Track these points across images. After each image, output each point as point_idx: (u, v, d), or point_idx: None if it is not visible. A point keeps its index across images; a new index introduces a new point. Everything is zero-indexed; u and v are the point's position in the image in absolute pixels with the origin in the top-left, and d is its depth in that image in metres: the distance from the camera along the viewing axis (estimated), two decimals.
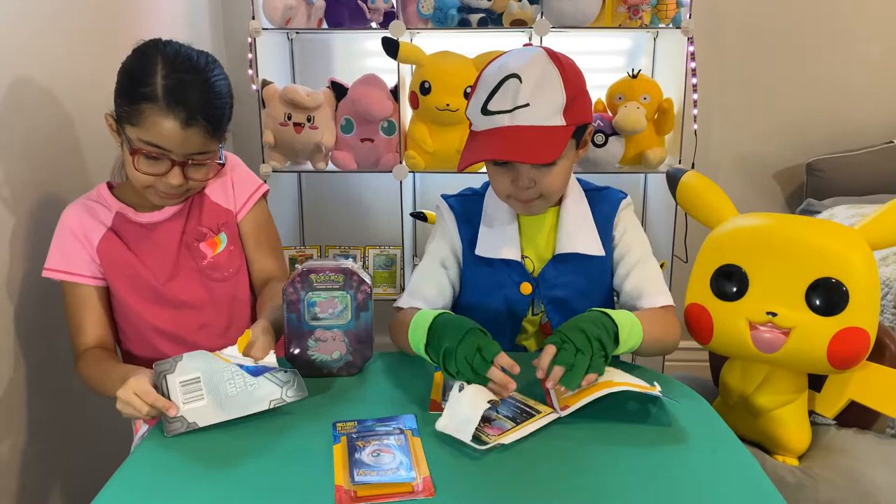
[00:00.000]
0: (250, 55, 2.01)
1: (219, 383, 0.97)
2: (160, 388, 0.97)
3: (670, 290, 1.24)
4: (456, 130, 1.99)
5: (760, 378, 1.23)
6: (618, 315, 1.05)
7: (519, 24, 1.95)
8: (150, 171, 1.12)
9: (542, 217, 1.22)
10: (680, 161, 2.01)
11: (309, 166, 2.13)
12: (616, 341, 1.03)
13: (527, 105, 1.07)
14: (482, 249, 1.22)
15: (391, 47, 1.88)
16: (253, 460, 0.88)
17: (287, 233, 2.29)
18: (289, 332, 1.09)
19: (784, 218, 1.24)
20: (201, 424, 0.96)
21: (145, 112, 1.08)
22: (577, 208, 1.22)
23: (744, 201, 1.59)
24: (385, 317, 1.24)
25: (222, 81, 1.15)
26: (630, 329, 1.05)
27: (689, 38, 1.92)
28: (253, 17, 2.00)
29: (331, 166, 2.11)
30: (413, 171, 2.06)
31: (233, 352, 1.02)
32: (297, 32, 2.25)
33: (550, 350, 0.98)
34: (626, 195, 1.27)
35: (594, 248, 1.20)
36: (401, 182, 2.06)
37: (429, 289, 1.23)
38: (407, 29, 1.96)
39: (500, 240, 1.21)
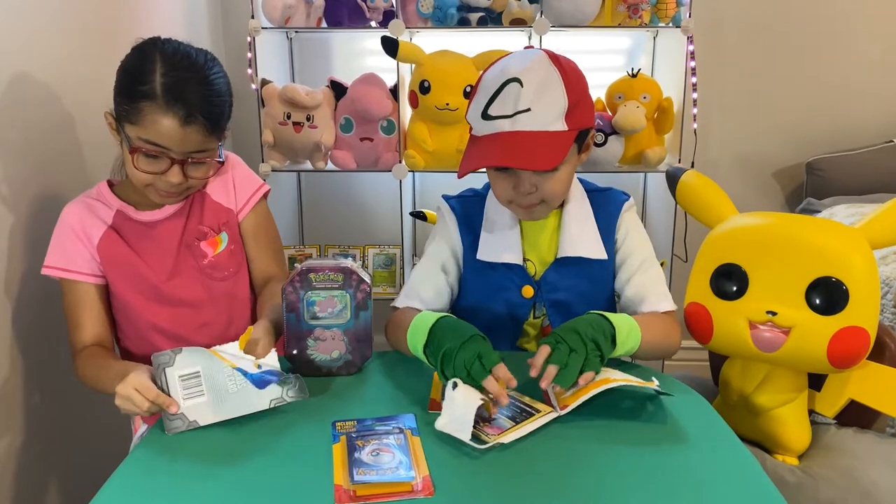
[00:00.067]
0: (249, 54, 2.00)
1: (219, 380, 0.97)
2: (159, 380, 0.97)
3: (670, 289, 1.24)
4: (455, 130, 1.99)
5: (760, 377, 1.23)
6: (616, 318, 1.05)
7: (518, 23, 1.95)
8: (149, 170, 1.12)
9: (544, 220, 1.21)
10: (680, 160, 2.01)
11: (308, 165, 2.12)
12: (613, 343, 1.03)
13: (528, 110, 1.06)
14: (483, 254, 1.21)
15: (390, 46, 1.88)
16: (252, 459, 0.88)
17: (286, 232, 2.29)
18: (288, 332, 1.09)
19: (784, 217, 1.24)
20: (202, 423, 0.96)
21: (144, 110, 1.07)
22: (579, 211, 1.21)
23: (743, 200, 1.58)
24: (384, 316, 1.24)
25: (221, 79, 1.15)
26: (628, 332, 1.05)
27: (688, 38, 1.92)
28: (252, 16, 2.00)
29: (330, 165, 2.11)
30: (412, 171, 2.06)
31: (234, 349, 1.01)
32: (296, 31, 2.25)
33: (545, 350, 0.98)
34: (629, 197, 1.26)
35: (596, 251, 1.19)
36: (400, 181, 2.05)
37: (426, 290, 1.22)
38: (406, 28, 1.95)
39: (501, 244, 1.20)
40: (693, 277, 1.25)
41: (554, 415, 0.96)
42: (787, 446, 1.24)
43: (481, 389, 0.94)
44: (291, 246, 2.28)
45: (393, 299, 1.26)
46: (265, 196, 1.34)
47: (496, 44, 1.99)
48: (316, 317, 1.08)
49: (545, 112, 1.06)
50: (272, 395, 0.98)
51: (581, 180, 1.26)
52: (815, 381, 1.25)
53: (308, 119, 2.02)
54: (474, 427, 0.90)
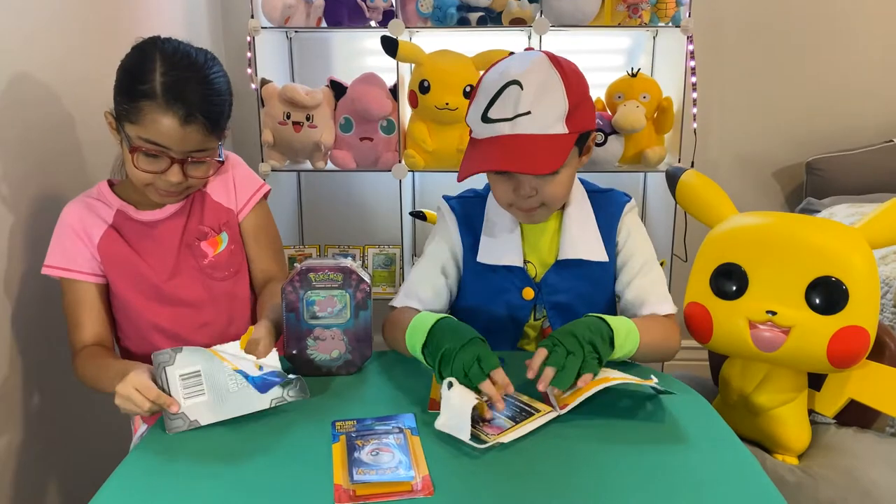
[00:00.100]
0: (249, 54, 2.00)
1: (220, 379, 0.97)
2: (159, 379, 0.97)
3: (670, 288, 1.24)
4: (455, 129, 1.98)
5: (760, 377, 1.23)
6: (614, 320, 1.05)
7: (518, 22, 1.95)
8: (149, 169, 1.12)
9: (545, 222, 1.20)
10: (679, 160, 2.01)
11: (308, 165, 2.12)
12: (611, 345, 1.03)
13: (528, 113, 1.05)
14: (484, 257, 1.21)
15: (390, 46, 1.88)
16: (252, 459, 0.88)
17: (286, 232, 2.29)
18: (288, 331, 1.09)
19: (784, 217, 1.24)
20: (203, 423, 0.96)
21: (144, 109, 1.07)
22: (580, 213, 1.20)
23: (743, 200, 1.58)
24: (384, 316, 1.24)
25: (221, 78, 1.15)
26: (626, 334, 1.05)
27: (688, 37, 1.92)
28: (252, 16, 2.00)
29: (330, 165, 2.11)
30: (412, 170, 2.06)
31: (234, 349, 1.01)
32: (296, 31, 2.25)
33: (542, 353, 0.98)
34: (631, 198, 1.25)
35: (597, 253, 1.19)
36: (400, 181, 2.05)
37: (425, 291, 1.22)
38: (406, 27, 1.95)
39: (502, 246, 1.20)
40: (693, 277, 1.25)
41: (553, 414, 0.96)
42: (786, 446, 1.24)
43: (478, 392, 0.94)
44: (291, 246, 2.28)
45: (392, 299, 1.26)
46: (265, 196, 1.34)
47: (496, 43, 1.99)
48: (315, 316, 1.08)
49: (545, 115, 1.05)
50: (273, 394, 0.98)
51: (582, 181, 1.25)
52: (815, 381, 1.25)
53: (308, 119, 2.01)
54: (474, 427, 0.91)
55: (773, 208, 2.38)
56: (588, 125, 1.12)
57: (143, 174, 1.12)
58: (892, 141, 2.18)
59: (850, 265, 1.11)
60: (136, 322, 1.24)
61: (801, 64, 2.28)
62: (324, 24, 2.07)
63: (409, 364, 1.11)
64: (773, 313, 1.13)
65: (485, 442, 0.89)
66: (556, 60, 1.08)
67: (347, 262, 1.09)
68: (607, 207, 1.23)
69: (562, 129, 1.06)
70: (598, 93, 2.11)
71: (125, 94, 1.10)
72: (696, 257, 1.26)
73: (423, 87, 1.93)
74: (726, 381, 1.29)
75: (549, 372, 0.96)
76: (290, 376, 0.99)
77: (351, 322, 1.09)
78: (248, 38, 1.99)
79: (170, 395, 0.96)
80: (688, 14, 1.95)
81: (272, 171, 2.08)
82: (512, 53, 1.85)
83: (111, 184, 1.26)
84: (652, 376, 0.99)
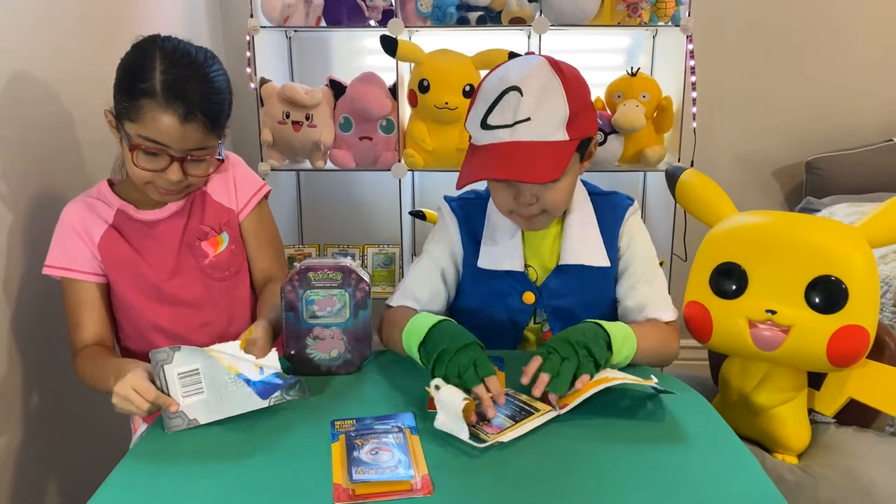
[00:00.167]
0: (248, 53, 2.00)
1: (219, 378, 0.97)
2: (157, 378, 0.97)
3: (669, 288, 1.24)
4: (455, 129, 1.98)
5: (760, 376, 1.23)
6: (611, 326, 1.04)
7: (518, 21, 1.95)
8: (149, 167, 1.12)
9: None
10: (679, 159, 2.01)
11: (307, 165, 2.12)
12: (609, 350, 1.02)
13: (528, 119, 1.03)
14: (485, 262, 1.20)
15: (390, 45, 1.88)
16: (251, 458, 0.88)
17: (285, 231, 2.28)
18: (287, 331, 1.09)
19: (783, 216, 1.24)
20: (202, 421, 0.96)
21: (144, 107, 1.07)
22: (582, 218, 1.19)
23: (743, 199, 1.58)
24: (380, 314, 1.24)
25: (221, 77, 1.15)
26: (623, 340, 1.04)
27: (688, 36, 1.92)
28: (251, 15, 2.00)
29: (329, 165, 2.11)
30: (412, 170, 2.06)
31: (234, 349, 1.01)
32: (295, 30, 2.25)
33: (537, 360, 0.99)
34: (633, 201, 1.24)
35: (598, 259, 1.18)
36: (399, 180, 2.05)
37: (422, 291, 1.22)
38: (405, 27, 1.95)
39: (503, 252, 1.19)
40: (692, 276, 1.25)
41: (553, 413, 0.96)
42: (786, 445, 1.24)
43: (469, 393, 0.94)
44: (290, 245, 2.28)
45: (389, 298, 1.26)
46: (266, 196, 1.34)
47: (495, 43, 1.99)
48: (315, 316, 1.08)
49: (545, 121, 1.04)
50: (272, 393, 0.98)
51: (584, 183, 1.24)
52: (815, 380, 1.25)
53: (307, 118, 2.01)
54: (474, 426, 0.91)
55: (772, 207, 2.38)
56: (589, 131, 1.10)
57: (142, 172, 1.12)
58: (891, 140, 2.18)
59: (850, 264, 1.11)
60: (136, 322, 1.24)
61: (801, 63, 2.28)
62: (323, 23, 2.07)
63: (408, 364, 1.11)
64: (773, 312, 1.13)
65: (484, 441, 0.89)
66: (556, 65, 1.07)
67: (347, 261, 1.09)
68: (609, 211, 1.22)
69: (562, 135, 1.05)
70: (597, 92, 2.11)
71: (125, 92, 1.09)
72: (695, 256, 1.26)
73: (423, 87, 1.93)
74: (726, 380, 1.29)
75: (545, 377, 0.96)
76: (290, 378, 0.99)
77: (350, 321, 1.09)
78: (248, 38, 1.99)
79: (168, 393, 0.96)
80: (687, 13, 1.95)
81: (271, 170, 2.08)
82: (511, 53, 1.84)
83: (111, 183, 1.26)
84: (652, 376, 0.99)
